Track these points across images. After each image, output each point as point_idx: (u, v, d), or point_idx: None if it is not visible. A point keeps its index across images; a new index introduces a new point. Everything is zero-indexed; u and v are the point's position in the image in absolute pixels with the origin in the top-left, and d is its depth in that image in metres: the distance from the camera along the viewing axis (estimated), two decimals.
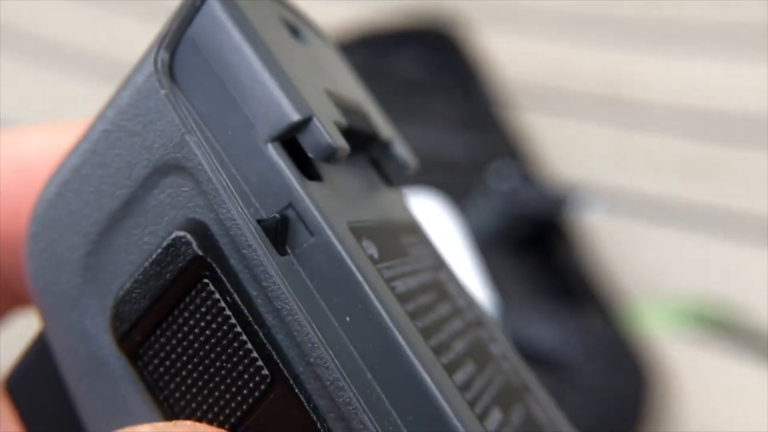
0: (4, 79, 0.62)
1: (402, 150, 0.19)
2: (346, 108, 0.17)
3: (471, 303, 0.19)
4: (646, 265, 0.51)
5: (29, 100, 0.63)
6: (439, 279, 0.18)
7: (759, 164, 0.54)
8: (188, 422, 0.14)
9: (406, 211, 0.20)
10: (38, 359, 0.17)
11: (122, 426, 0.14)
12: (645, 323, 0.48)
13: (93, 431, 0.15)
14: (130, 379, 0.15)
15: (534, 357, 0.42)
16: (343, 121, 0.16)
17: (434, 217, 0.47)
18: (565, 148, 0.57)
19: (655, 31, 0.64)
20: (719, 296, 0.48)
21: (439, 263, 0.19)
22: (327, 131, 0.15)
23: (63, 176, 0.15)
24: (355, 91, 0.19)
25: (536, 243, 0.49)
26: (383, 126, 0.19)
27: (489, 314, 0.20)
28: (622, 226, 0.53)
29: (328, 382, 0.13)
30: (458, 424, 0.13)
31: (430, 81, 0.57)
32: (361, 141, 0.18)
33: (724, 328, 0.47)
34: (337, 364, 0.13)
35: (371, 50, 0.58)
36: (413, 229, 0.19)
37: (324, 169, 0.16)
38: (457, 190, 0.49)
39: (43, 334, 0.16)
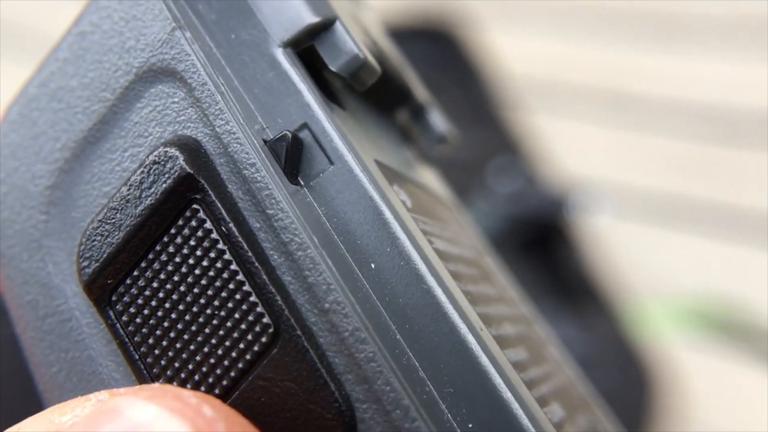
0: (4, 77, 0.61)
1: (439, 118, 0.16)
2: (378, 49, 0.14)
3: (520, 299, 0.16)
4: (650, 265, 0.51)
5: None
6: (482, 263, 0.15)
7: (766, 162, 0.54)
8: (155, 384, 0.11)
9: (442, 189, 0.17)
10: None
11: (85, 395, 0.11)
12: (650, 324, 0.48)
13: (52, 403, 0.12)
14: (99, 336, 0.12)
15: None
16: (375, 50, 0.13)
17: None
18: (567, 146, 0.57)
19: (661, 29, 0.63)
20: (724, 295, 0.48)
21: (481, 250, 0.16)
22: (353, 38, 0.12)
23: (29, 93, 0.13)
24: (388, 46, 0.16)
25: (539, 245, 0.49)
26: (419, 89, 0.16)
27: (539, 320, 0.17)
28: (625, 226, 0.53)
29: (347, 333, 0.10)
30: (515, 401, 0.10)
31: (431, 79, 0.57)
32: (393, 95, 0.15)
33: (730, 328, 0.47)
34: (359, 310, 0.11)
35: None
36: (451, 208, 0.16)
37: (348, 100, 0.13)
38: (458, 188, 0.49)
39: None
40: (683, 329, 0.48)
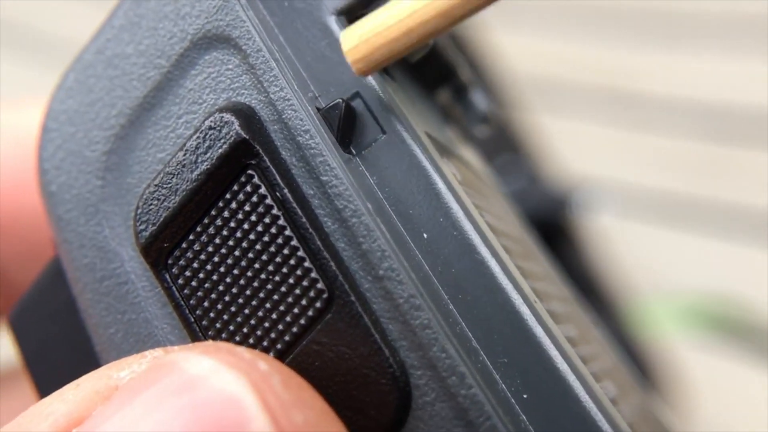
0: (4, 77, 0.61)
1: (482, 98, 0.16)
2: None
3: (562, 280, 0.16)
4: (653, 263, 0.51)
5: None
6: (526, 239, 0.15)
7: None
8: (209, 341, 0.11)
9: (482, 168, 0.16)
10: (48, 286, 0.14)
11: None
12: (653, 322, 0.48)
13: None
14: (155, 299, 0.12)
15: None
16: None
17: None
18: (570, 145, 0.56)
19: (663, 28, 0.63)
20: (726, 294, 0.48)
21: (523, 230, 0.15)
22: None
23: (85, 60, 0.13)
24: None
25: (542, 244, 0.48)
26: (461, 68, 0.16)
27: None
28: (627, 225, 0.53)
29: (402, 300, 0.10)
30: (571, 373, 0.10)
31: None
32: (439, 72, 0.15)
33: (732, 327, 0.47)
34: (414, 277, 0.10)
35: None
36: (492, 187, 0.16)
37: (397, 73, 0.13)
38: None
39: (55, 258, 0.13)
40: (686, 328, 0.48)
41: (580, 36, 0.64)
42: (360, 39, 0.11)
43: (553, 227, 0.48)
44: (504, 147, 0.53)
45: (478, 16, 0.11)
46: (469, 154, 0.16)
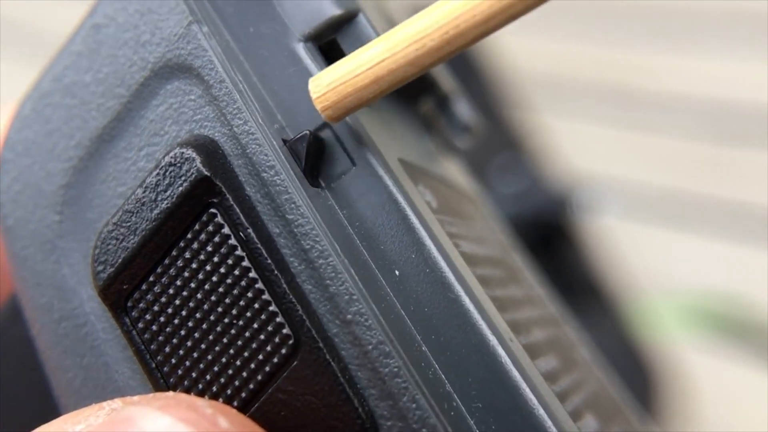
0: (4, 77, 0.61)
1: (465, 107, 0.15)
2: None
3: (546, 297, 0.16)
4: (654, 263, 0.51)
5: None
6: (509, 261, 0.14)
7: None
8: (169, 393, 0.11)
9: (465, 181, 0.16)
10: (5, 325, 0.13)
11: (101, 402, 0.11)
12: (655, 323, 0.48)
13: (68, 410, 0.12)
14: (115, 342, 0.11)
15: None
16: None
17: None
18: (571, 144, 0.56)
19: (665, 26, 0.63)
20: (728, 294, 0.48)
21: (506, 246, 0.15)
22: (377, 32, 0.11)
23: (42, 88, 0.12)
24: None
25: (543, 244, 0.48)
26: (443, 78, 0.15)
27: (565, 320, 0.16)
28: (629, 225, 0.53)
29: (370, 347, 0.10)
30: (548, 419, 0.10)
31: None
32: (417, 85, 0.14)
33: (734, 327, 0.47)
34: (383, 322, 0.10)
35: None
36: (475, 202, 0.15)
37: None
38: None
39: (13, 295, 0.13)
40: (687, 328, 0.48)
41: (580, 35, 0.64)
42: (328, 87, 0.10)
43: (554, 227, 0.48)
44: (505, 146, 0.53)
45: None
46: (451, 167, 0.16)
